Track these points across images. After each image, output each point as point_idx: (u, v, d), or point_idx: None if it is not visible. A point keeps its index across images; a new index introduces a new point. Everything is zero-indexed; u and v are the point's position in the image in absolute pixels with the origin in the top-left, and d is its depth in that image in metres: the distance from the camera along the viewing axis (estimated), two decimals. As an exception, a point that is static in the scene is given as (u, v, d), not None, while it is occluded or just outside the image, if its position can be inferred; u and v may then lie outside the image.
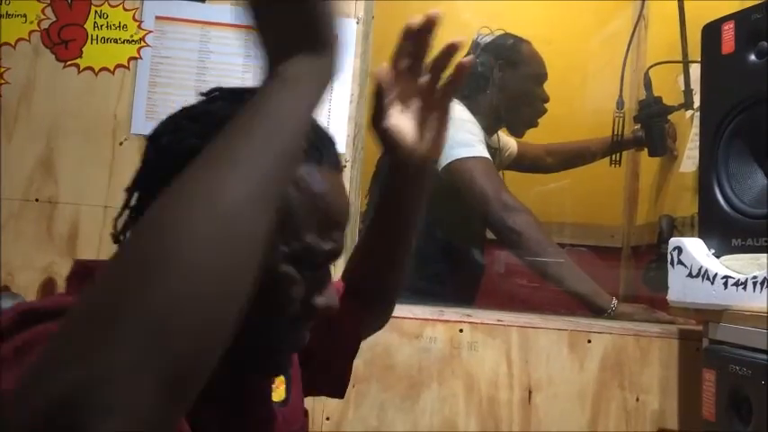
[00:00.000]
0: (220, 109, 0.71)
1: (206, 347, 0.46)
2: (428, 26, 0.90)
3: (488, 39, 2.05)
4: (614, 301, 1.67)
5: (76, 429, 0.40)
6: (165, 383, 0.43)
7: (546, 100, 2.07)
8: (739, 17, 1.28)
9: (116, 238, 0.76)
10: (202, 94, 0.77)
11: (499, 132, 2.14)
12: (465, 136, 1.87)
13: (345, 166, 1.48)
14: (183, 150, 0.65)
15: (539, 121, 2.10)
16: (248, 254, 0.49)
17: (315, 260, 0.73)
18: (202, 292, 0.45)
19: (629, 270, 2.30)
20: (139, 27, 1.51)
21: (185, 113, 0.74)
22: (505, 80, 2.03)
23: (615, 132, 2.04)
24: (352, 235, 1.52)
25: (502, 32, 2.06)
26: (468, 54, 2.07)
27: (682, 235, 1.67)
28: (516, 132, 2.13)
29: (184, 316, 0.44)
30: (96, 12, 1.51)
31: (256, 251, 0.49)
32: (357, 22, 1.54)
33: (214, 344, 0.47)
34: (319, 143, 0.74)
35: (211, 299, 0.46)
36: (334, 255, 0.75)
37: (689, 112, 1.89)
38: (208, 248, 0.46)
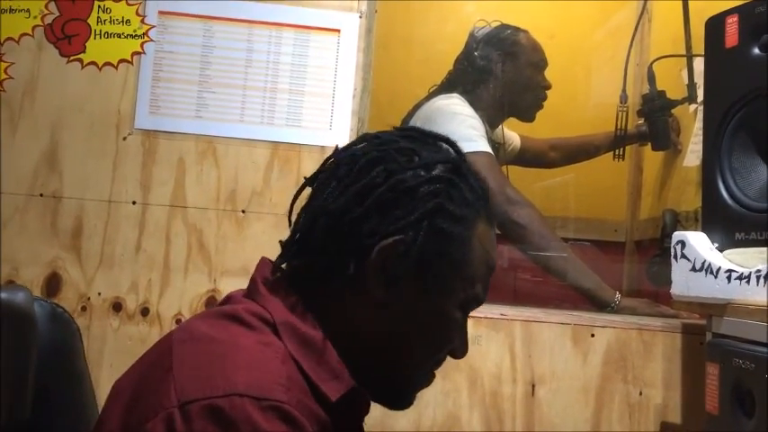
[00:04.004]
0: (428, 155, 0.80)
1: None
2: None
3: (485, 31, 2.05)
4: (618, 295, 1.67)
5: None
6: None
7: (548, 87, 2.07)
8: (743, 10, 1.27)
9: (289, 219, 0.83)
10: (399, 130, 0.85)
11: (503, 126, 2.13)
12: (467, 131, 1.87)
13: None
14: (388, 184, 0.76)
15: (543, 115, 2.09)
16: None
17: (474, 308, 0.83)
18: None
19: (633, 264, 2.30)
20: (143, 22, 1.52)
21: (395, 146, 0.80)
22: (506, 71, 2.02)
23: (619, 127, 2.04)
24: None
25: (498, 24, 2.06)
26: (465, 48, 2.07)
27: (685, 229, 1.67)
28: (526, 118, 2.12)
29: None
30: (99, 7, 1.51)
31: None
32: (360, 17, 1.53)
33: None
34: (489, 203, 0.84)
35: None
36: (483, 302, 0.84)
37: (692, 106, 1.88)
38: None
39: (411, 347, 0.79)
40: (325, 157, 0.84)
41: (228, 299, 0.82)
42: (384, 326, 0.78)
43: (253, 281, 0.80)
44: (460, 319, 0.81)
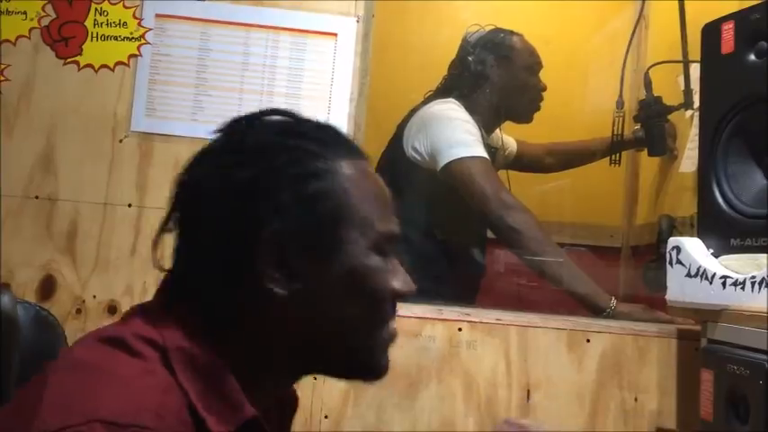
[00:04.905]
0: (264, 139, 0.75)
1: None
2: None
3: (478, 35, 2.05)
4: (613, 300, 1.67)
5: None
6: None
7: (543, 89, 2.07)
8: (739, 17, 1.28)
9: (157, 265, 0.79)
10: (227, 128, 0.80)
11: (500, 131, 2.13)
12: (463, 136, 1.87)
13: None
14: (231, 185, 0.72)
15: (539, 120, 2.10)
16: None
17: (390, 244, 0.77)
18: None
19: (629, 270, 2.30)
20: (139, 25, 1.51)
21: (223, 147, 0.78)
22: (501, 75, 2.02)
23: (615, 132, 2.04)
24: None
25: (492, 28, 2.06)
26: (459, 52, 2.07)
27: (681, 235, 1.67)
28: (523, 120, 2.12)
29: None
30: (96, 9, 1.51)
31: None
32: (357, 21, 1.54)
33: None
34: (344, 139, 0.79)
35: None
36: (398, 235, 0.79)
37: (689, 112, 1.89)
38: None
39: (348, 317, 0.75)
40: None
41: (126, 315, 0.76)
42: (309, 313, 0.73)
43: (156, 295, 0.76)
44: (381, 262, 0.76)
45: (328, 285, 0.74)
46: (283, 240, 0.71)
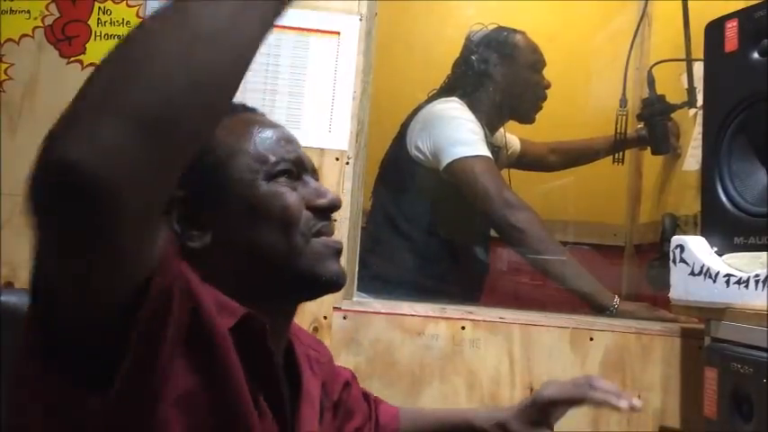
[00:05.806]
0: None
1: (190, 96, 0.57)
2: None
3: (481, 34, 2.05)
4: (616, 299, 1.67)
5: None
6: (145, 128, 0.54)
7: (547, 86, 2.06)
8: (742, 15, 1.27)
9: None
10: None
11: (504, 130, 2.13)
12: (466, 135, 1.87)
13: (348, 163, 1.48)
14: None
15: (542, 119, 2.10)
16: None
17: (286, 168, 0.84)
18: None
19: (632, 268, 2.30)
20: (143, 24, 1.52)
21: None
22: (505, 73, 2.02)
23: (618, 131, 2.04)
24: (354, 229, 1.52)
25: (495, 27, 2.06)
26: (463, 51, 2.07)
27: (684, 233, 1.67)
28: (526, 119, 2.12)
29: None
30: (100, 8, 1.51)
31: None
32: (360, 19, 1.53)
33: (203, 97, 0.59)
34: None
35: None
36: (300, 161, 0.86)
37: (692, 111, 1.89)
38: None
39: (265, 243, 0.81)
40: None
41: None
42: (232, 254, 0.81)
43: None
44: (280, 187, 0.82)
45: (235, 225, 0.81)
46: (186, 207, 0.79)
